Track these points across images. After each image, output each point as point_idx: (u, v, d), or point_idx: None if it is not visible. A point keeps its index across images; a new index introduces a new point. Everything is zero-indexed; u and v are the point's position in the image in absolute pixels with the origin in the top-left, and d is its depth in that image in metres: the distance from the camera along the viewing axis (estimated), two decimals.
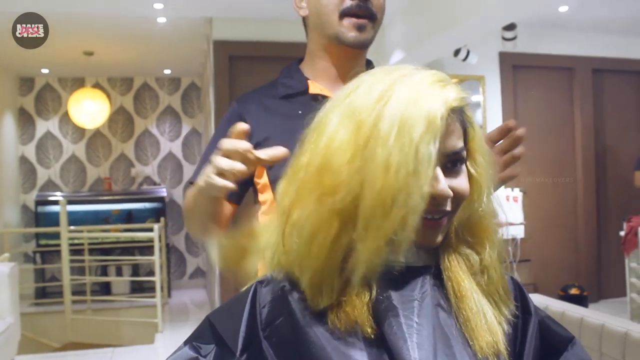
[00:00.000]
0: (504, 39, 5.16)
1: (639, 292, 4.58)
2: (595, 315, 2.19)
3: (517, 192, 5.45)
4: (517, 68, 5.81)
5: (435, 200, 0.78)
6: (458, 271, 0.86)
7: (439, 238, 0.83)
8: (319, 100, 1.17)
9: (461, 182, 0.82)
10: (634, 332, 1.92)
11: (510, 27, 5.04)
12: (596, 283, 5.92)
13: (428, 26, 4.35)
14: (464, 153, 0.83)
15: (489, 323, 0.83)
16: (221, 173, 0.95)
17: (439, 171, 0.78)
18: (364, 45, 1.36)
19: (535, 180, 5.78)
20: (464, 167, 0.84)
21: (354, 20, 1.31)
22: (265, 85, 1.47)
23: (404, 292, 0.81)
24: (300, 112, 0.99)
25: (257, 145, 1.22)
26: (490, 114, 5.69)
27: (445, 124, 0.76)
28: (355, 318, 0.77)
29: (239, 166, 0.92)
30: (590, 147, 5.98)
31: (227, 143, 0.93)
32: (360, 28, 1.32)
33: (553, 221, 5.86)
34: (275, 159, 0.91)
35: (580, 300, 5.15)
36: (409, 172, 0.73)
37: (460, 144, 0.81)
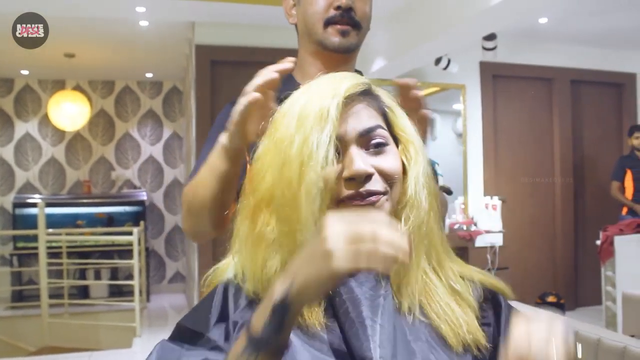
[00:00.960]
0: (485, 48, 5.21)
1: (614, 301, 4.64)
2: (568, 322, 2.22)
3: (496, 201, 5.51)
4: (497, 78, 5.88)
5: (356, 181, 0.83)
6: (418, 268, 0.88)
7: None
8: None
9: (386, 160, 0.86)
10: (606, 339, 1.95)
11: (491, 37, 5.09)
12: (573, 291, 5.99)
13: (409, 35, 4.39)
14: (383, 133, 0.88)
15: (456, 313, 0.86)
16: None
17: (353, 152, 0.84)
18: (348, 50, 1.41)
19: (514, 189, 5.85)
20: (391, 147, 0.88)
21: (337, 26, 1.38)
22: None
23: (366, 291, 0.83)
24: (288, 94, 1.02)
25: (252, 145, 1.24)
26: (470, 122, 5.74)
27: (338, 112, 0.82)
28: (309, 319, 0.81)
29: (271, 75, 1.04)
30: (569, 157, 6.06)
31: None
32: (343, 33, 1.39)
33: (531, 229, 5.92)
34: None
35: (557, 308, 5.21)
36: (304, 162, 0.80)
37: (372, 122, 0.87)
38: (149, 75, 7.24)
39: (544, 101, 6.09)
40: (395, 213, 0.88)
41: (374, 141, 0.86)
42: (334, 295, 0.82)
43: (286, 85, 1.42)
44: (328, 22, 1.39)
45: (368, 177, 0.83)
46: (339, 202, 0.84)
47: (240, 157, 1.16)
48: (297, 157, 0.81)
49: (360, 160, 0.83)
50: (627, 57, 6.21)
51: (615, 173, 5.63)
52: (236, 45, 4.89)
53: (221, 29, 4.87)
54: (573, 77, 6.09)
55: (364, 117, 0.87)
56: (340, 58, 1.43)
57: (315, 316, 0.81)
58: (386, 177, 0.85)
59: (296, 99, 0.87)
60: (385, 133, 0.88)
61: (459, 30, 3.92)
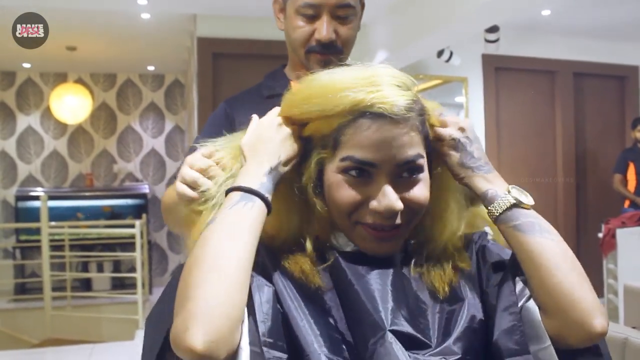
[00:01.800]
0: (487, 41, 5.19)
1: (615, 293, 4.64)
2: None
3: None
4: (499, 70, 5.86)
5: (382, 215, 0.81)
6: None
7: (392, 249, 0.85)
8: None
9: (416, 191, 0.84)
10: (608, 331, 1.96)
11: (493, 29, 5.08)
12: None
13: (411, 27, 4.38)
14: (422, 161, 0.85)
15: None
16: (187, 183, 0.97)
17: (387, 188, 0.81)
18: None
19: (516, 181, 5.81)
20: (424, 175, 0.86)
21: (318, 56, 1.36)
22: (251, 88, 1.51)
23: (360, 269, 0.85)
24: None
25: None
26: (472, 115, 5.73)
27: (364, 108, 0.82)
28: (302, 268, 0.83)
29: (201, 180, 0.95)
30: (571, 150, 6.05)
31: (191, 159, 0.98)
32: (325, 63, 1.30)
33: None
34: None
35: None
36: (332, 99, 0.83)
37: (413, 152, 0.83)
38: (151, 68, 7.24)
39: (546, 94, 6.07)
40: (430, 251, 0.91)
41: (407, 172, 0.84)
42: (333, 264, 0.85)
43: (278, 80, 1.47)
44: (309, 51, 1.37)
45: (396, 213, 0.83)
46: (357, 224, 0.84)
47: None
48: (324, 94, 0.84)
49: (393, 197, 0.82)
50: (630, 49, 6.18)
51: (618, 166, 5.62)
52: (238, 38, 4.88)
53: (223, 21, 4.86)
54: (576, 69, 6.07)
55: (405, 145, 0.82)
56: None
57: (303, 265, 0.84)
58: (412, 208, 0.84)
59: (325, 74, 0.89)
60: (423, 161, 0.85)
61: (461, 23, 3.91)
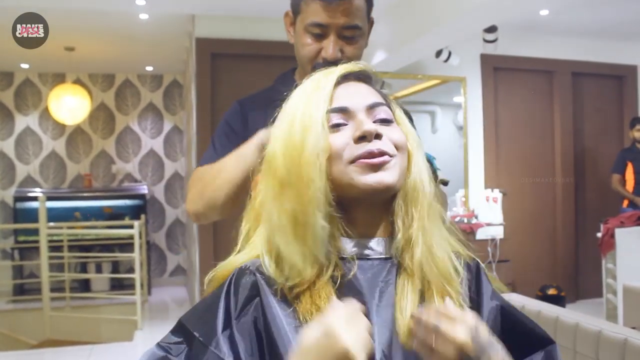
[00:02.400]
0: (485, 41, 5.20)
1: (614, 293, 4.64)
2: (570, 314, 2.22)
3: (496, 193, 5.50)
4: (498, 70, 5.86)
5: (366, 139, 0.87)
6: (400, 261, 0.91)
7: (389, 177, 0.87)
8: None
9: (393, 131, 0.91)
10: (607, 331, 1.96)
11: (491, 29, 5.08)
12: (574, 284, 6.00)
13: (410, 27, 4.38)
14: (388, 111, 0.93)
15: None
16: None
17: (361, 115, 0.89)
18: None
19: (515, 181, 5.84)
20: (396, 125, 0.93)
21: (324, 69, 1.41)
22: (263, 90, 1.57)
23: (370, 279, 0.88)
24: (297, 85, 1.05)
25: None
26: (471, 115, 5.73)
27: (332, 84, 0.91)
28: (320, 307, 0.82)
29: None
30: (569, 149, 6.05)
31: None
32: None
33: (532, 222, 5.92)
34: None
35: (557, 301, 5.21)
36: (305, 127, 0.87)
37: (378, 99, 0.93)
38: (149, 68, 7.23)
39: (545, 93, 6.08)
40: (402, 194, 0.91)
41: (379, 116, 0.91)
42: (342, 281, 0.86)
43: (288, 85, 1.48)
44: (315, 68, 1.38)
45: (378, 136, 0.88)
46: (351, 163, 0.87)
47: None
48: (300, 125, 0.87)
49: (368, 121, 0.89)
50: (628, 49, 6.19)
51: (616, 166, 5.63)
52: (236, 38, 4.88)
53: (221, 21, 4.86)
54: (574, 69, 6.08)
55: (369, 94, 0.93)
56: None
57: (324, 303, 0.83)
58: (395, 143, 0.90)
59: (300, 87, 0.95)
60: (390, 112, 0.94)
61: (459, 23, 3.91)
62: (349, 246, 0.90)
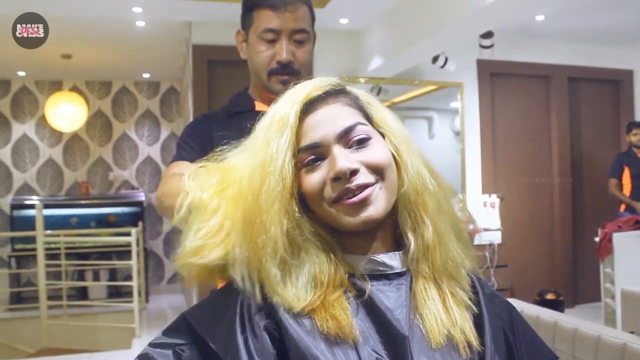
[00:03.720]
0: (482, 46, 5.21)
1: (612, 297, 4.64)
2: (568, 319, 2.22)
3: (494, 198, 5.51)
4: (494, 75, 5.87)
5: (342, 180, 0.83)
6: (416, 270, 0.89)
7: (375, 211, 0.84)
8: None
9: (371, 153, 0.86)
10: (606, 336, 1.95)
11: (488, 35, 5.09)
12: (572, 288, 5.99)
13: (406, 33, 4.38)
14: (363, 128, 0.87)
15: (442, 316, 0.85)
16: None
17: (335, 151, 0.85)
18: None
19: (512, 186, 5.85)
20: (376, 140, 0.88)
21: (279, 77, 1.55)
22: (221, 108, 1.70)
23: (385, 297, 0.85)
24: (248, 125, 1.07)
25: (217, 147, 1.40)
26: (468, 120, 5.74)
27: (296, 117, 0.86)
28: (344, 325, 0.80)
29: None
30: (566, 154, 6.06)
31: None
32: (284, 82, 1.53)
33: (530, 227, 5.93)
34: None
35: (556, 305, 5.21)
36: (265, 167, 0.84)
37: (349, 121, 0.87)
38: (146, 75, 7.23)
39: (541, 98, 6.09)
40: (404, 204, 0.89)
41: (355, 138, 0.86)
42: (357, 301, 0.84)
43: (243, 102, 1.64)
44: (271, 73, 1.55)
45: (353, 173, 0.84)
46: (332, 204, 0.85)
47: None
48: (259, 164, 0.84)
49: (342, 158, 0.84)
50: (624, 54, 6.21)
51: (613, 170, 5.63)
52: (233, 45, 4.83)
53: (218, 28, 4.86)
54: (570, 74, 6.10)
55: (339, 118, 0.87)
56: None
57: (343, 319, 0.81)
58: (374, 169, 0.86)
59: (268, 112, 0.90)
60: (366, 128, 0.88)
61: (456, 28, 3.92)
62: (361, 263, 0.87)
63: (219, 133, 1.50)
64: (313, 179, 0.85)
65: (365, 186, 0.84)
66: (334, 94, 0.90)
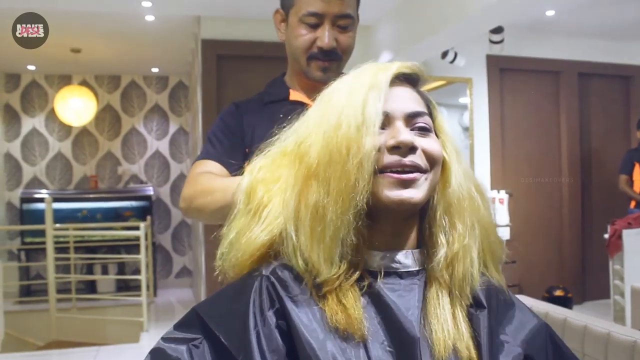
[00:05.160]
0: (491, 41, 5.18)
1: (622, 294, 4.62)
2: (578, 316, 2.21)
3: (502, 194, 5.49)
4: (504, 71, 5.85)
5: (401, 150, 0.83)
6: (434, 275, 0.88)
7: (417, 195, 0.83)
8: (298, 106, 1.27)
9: (430, 143, 0.87)
10: (615, 333, 1.94)
11: (498, 30, 5.07)
12: (581, 285, 5.97)
13: (416, 28, 4.37)
14: (428, 120, 0.88)
15: (450, 327, 0.84)
16: None
17: (400, 125, 0.85)
18: (328, 81, 1.40)
19: (521, 182, 5.82)
20: (433, 135, 0.89)
21: (319, 63, 1.46)
22: (255, 95, 1.61)
23: (401, 298, 0.84)
24: (281, 115, 1.04)
25: (247, 138, 1.47)
26: (477, 116, 5.72)
27: (388, 84, 0.86)
28: (353, 319, 0.80)
29: None
30: (576, 150, 6.03)
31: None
32: (324, 70, 1.46)
33: (538, 223, 5.90)
34: None
35: (564, 302, 5.19)
36: (358, 125, 0.81)
37: (420, 108, 0.88)
38: (155, 70, 7.24)
39: (551, 94, 6.06)
40: (445, 206, 0.88)
41: (418, 124, 0.87)
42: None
43: (278, 88, 1.56)
44: (310, 58, 1.46)
45: (413, 149, 0.84)
46: (378, 174, 0.83)
47: None
48: (352, 120, 0.82)
49: (405, 131, 0.84)
50: (635, 49, 6.16)
51: (624, 166, 5.59)
52: (242, 40, 4.88)
53: (227, 23, 4.86)
54: (580, 69, 6.06)
55: (412, 101, 0.89)
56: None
57: (355, 313, 0.81)
58: (429, 157, 0.86)
59: (341, 81, 0.89)
60: (430, 121, 0.89)
61: (465, 24, 3.90)
62: (375, 259, 0.86)
63: (250, 123, 1.49)
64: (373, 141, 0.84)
65: (417, 167, 0.84)
66: (416, 79, 0.92)
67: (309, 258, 0.82)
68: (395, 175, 0.82)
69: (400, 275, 0.86)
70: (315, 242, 0.82)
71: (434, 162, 0.86)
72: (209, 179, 1.40)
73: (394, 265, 0.86)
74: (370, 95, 0.83)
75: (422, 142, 0.85)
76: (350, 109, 0.82)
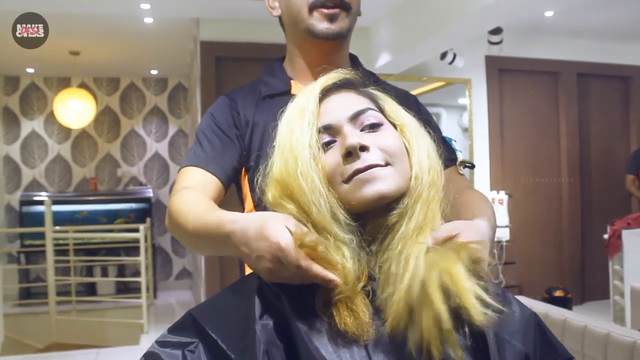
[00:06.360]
0: (490, 42, 5.18)
1: (622, 295, 4.62)
2: (577, 317, 2.21)
3: (502, 195, 5.49)
4: (503, 72, 5.85)
5: (353, 155, 0.85)
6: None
7: (384, 186, 0.84)
8: None
9: (383, 137, 0.89)
10: (615, 334, 1.94)
11: (496, 31, 5.07)
12: (580, 285, 5.97)
13: (414, 29, 4.37)
14: (375, 114, 0.92)
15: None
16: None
17: (346, 129, 0.87)
18: (339, 36, 1.29)
19: (521, 183, 5.82)
20: (387, 127, 0.91)
21: (324, 10, 1.26)
22: (249, 84, 1.44)
23: None
24: (282, 112, 0.99)
25: (244, 137, 1.33)
26: (476, 117, 5.72)
27: (315, 103, 0.91)
28: (360, 322, 0.79)
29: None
30: (575, 151, 6.03)
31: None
32: (331, 18, 1.26)
33: (538, 224, 5.90)
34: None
35: (564, 303, 5.19)
36: (293, 151, 0.87)
37: (361, 106, 0.91)
38: (154, 72, 7.24)
39: (550, 95, 6.06)
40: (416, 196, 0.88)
41: (367, 122, 0.89)
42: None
43: (276, 77, 1.40)
44: (314, 6, 1.26)
45: (363, 148, 0.86)
46: (346, 182, 0.86)
47: None
48: (289, 150, 0.87)
49: (353, 135, 0.86)
50: (634, 50, 6.16)
51: (630, 166, 5.57)
52: (241, 42, 4.88)
53: (226, 25, 4.87)
54: (579, 70, 6.06)
55: (352, 103, 0.92)
56: (330, 46, 1.31)
57: (364, 316, 0.80)
58: (385, 152, 0.87)
59: (286, 108, 0.95)
60: (378, 115, 0.92)
61: (464, 25, 3.90)
62: (370, 264, 0.86)
63: (247, 120, 1.34)
64: (329, 158, 0.87)
65: (374, 166, 0.85)
66: (347, 84, 0.96)
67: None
68: (357, 176, 0.85)
69: None
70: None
71: (393, 154, 0.87)
72: (190, 202, 1.17)
73: None
74: (297, 124, 0.89)
75: (373, 139, 0.88)
76: (286, 141, 0.89)
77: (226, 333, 0.81)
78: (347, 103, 0.91)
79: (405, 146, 0.90)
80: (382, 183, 0.84)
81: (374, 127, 0.89)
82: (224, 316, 0.84)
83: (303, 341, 0.77)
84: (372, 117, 0.90)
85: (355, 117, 0.89)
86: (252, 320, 0.80)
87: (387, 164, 0.86)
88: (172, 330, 0.86)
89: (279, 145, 0.90)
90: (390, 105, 0.96)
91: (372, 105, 0.92)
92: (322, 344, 0.78)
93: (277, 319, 0.80)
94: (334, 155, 0.87)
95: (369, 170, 0.84)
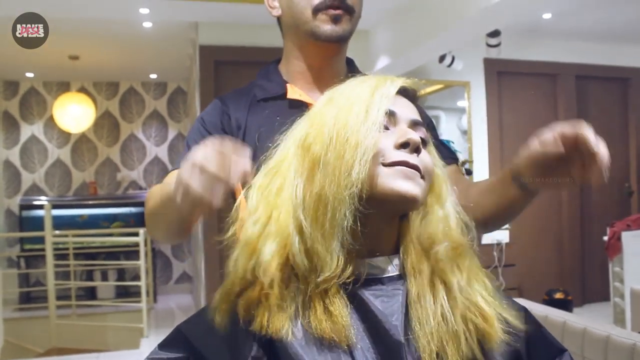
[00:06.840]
0: (488, 45, 5.19)
1: (622, 297, 4.62)
2: (577, 319, 2.21)
3: None
4: (501, 74, 5.85)
5: (407, 149, 0.85)
6: (413, 274, 0.87)
7: (415, 190, 0.84)
8: (297, 105, 1.21)
9: (425, 155, 0.88)
10: (615, 336, 1.94)
11: (495, 33, 5.07)
12: (581, 287, 5.97)
13: (413, 32, 4.38)
14: (426, 133, 0.92)
15: (438, 326, 0.83)
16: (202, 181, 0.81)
17: (405, 126, 0.88)
18: (342, 39, 1.29)
19: None
20: (429, 150, 0.92)
21: (329, 12, 1.25)
22: (244, 88, 1.42)
23: (384, 303, 0.83)
24: (278, 117, 0.98)
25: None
26: (475, 119, 5.73)
27: (394, 92, 0.89)
28: (340, 326, 0.79)
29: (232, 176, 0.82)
30: None
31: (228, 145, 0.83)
32: (335, 19, 1.25)
33: (538, 226, 5.90)
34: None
35: (564, 305, 5.19)
36: (362, 119, 0.84)
37: (420, 120, 0.92)
38: (153, 76, 7.25)
39: (548, 97, 6.06)
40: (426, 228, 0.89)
41: (420, 135, 0.89)
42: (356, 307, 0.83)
43: (271, 80, 1.37)
44: (317, 9, 1.25)
45: (419, 149, 0.86)
46: (386, 166, 0.84)
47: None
48: (358, 113, 0.84)
49: (414, 133, 0.87)
50: (633, 51, 6.17)
51: None
52: (240, 46, 4.89)
53: (225, 29, 4.87)
54: (578, 72, 6.07)
55: (414, 112, 0.93)
56: (332, 48, 1.31)
57: (343, 321, 0.80)
58: (425, 169, 0.87)
59: (346, 84, 0.92)
60: (427, 134, 0.93)
61: (462, 27, 3.91)
62: (357, 265, 0.84)
63: (239, 124, 1.31)
64: (379, 140, 0.85)
65: (419, 170, 0.85)
66: (413, 95, 0.97)
67: (312, 249, 0.81)
68: (402, 168, 0.84)
69: (382, 281, 0.86)
70: (318, 229, 0.81)
71: (428, 174, 0.88)
72: (153, 194, 1.23)
73: (374, 271, 0.86)
74: (376, 94, 0.86)
75: (421, 153, 0.88)
76: (355, 106, 0.85)
77: (215, 348, 0.81)
78: (410, 108, 0.93)
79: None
80: (419, 189, 0.84)
81: (423, 142, 0.89)
82: (213, 331, 0.83)
83: (283, 348, 0.78)
84: (424, 134, 0.91)
85: (415, 124, 0.90)
86: (230, 341, 0.80)
87: (423, 176, 0.87)
88: (162, 346, 0.87)
89: (346, 100, 0.87)
90: (431, 140, 0.96)
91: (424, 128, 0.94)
92: (305, 351, 0.78)
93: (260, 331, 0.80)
94: (386, 140, 0.85)
95: (414, 170, 0.84)
